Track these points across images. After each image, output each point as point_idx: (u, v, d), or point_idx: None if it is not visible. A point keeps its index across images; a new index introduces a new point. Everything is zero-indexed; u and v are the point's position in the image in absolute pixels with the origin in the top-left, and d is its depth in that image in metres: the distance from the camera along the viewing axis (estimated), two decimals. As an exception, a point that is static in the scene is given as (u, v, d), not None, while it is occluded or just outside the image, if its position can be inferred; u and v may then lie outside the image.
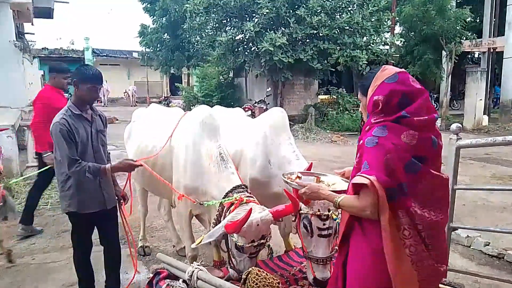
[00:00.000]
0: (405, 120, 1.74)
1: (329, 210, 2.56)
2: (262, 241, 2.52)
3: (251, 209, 2.48)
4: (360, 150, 1.88)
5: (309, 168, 2.75)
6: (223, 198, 2.81)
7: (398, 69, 1.85)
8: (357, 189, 1.79)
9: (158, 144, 3.56)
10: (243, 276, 2.43)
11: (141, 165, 3.18)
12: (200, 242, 2.66)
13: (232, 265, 2.65)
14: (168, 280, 2.59)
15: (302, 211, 2.61)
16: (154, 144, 3.62)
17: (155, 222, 5.32)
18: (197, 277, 2.41)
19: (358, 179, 1.76)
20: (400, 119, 1.74)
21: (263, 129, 3.38)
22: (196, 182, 3.07)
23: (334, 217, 2.57)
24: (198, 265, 2.53)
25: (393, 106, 1.77)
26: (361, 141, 1.87)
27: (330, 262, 2.65)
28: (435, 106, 14.60)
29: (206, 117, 3.22)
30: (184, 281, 2.51)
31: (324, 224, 2.56)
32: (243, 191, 2.80)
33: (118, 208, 3.39)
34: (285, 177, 2.46)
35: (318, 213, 2.55)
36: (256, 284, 2.31)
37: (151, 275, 2.71)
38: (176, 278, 2.59)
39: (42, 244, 4.69)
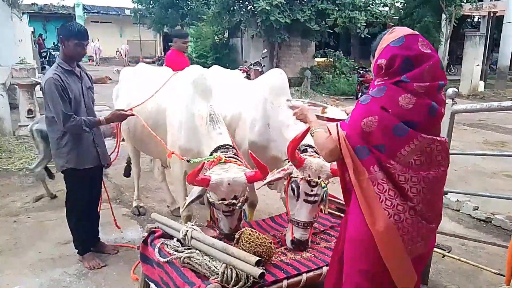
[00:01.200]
0: (404, 85, 1.73)
1: (319, 178, 2.58)
2: (233, 201, 2.53)
3: (203, 164, 2.58)
4: None
5: (306, 132, 2.70)
6: (209, 157, 2.80)
7: (407, 31, 1.80)
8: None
9: (146, 102, 3.52)
10: (236, 236, 2.47)
11: (132, 114, 3.31)
12: (185, 204, 2.75)
13: (215, 224, 2.72)
14: (162, 239, 2.63)
15: (292, 175, 2.63)
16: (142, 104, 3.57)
17: (149, 182, 5.36)
18: (191, 236, 2.44)
19: (332, 128, 1.86)
20: (399, 83, 1.74)
21: (262, 91, 3.32)
22: (190, 143, 3.07)
23: (323, 185, 2.59)
24: (192, 224, 2.56)
25: (395, 70, 1.75)
26: None
27: (311, 227, 2.72)
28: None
29: (197, 78, 3.18)
30: (178, 240, 2.55)
31: (311, 190, 2.59)
32: (227, 151, 2.79)
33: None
34: (289, 100, 2.53)
35: (308, 178, 2.57)
36: (249, 243, 2.35)
37: (146, 234, 2.74)
38: (171, 237, 2.63)
39: (37, 203, 4.72)
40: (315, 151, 2.78)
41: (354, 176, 1.80)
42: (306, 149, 2.79)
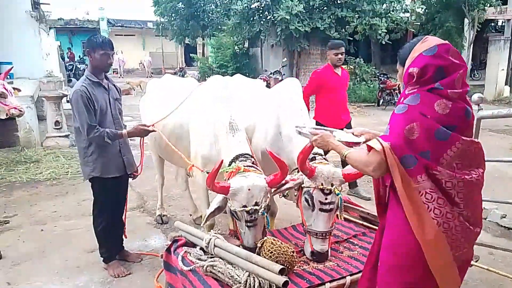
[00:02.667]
0: (438, 91, 1.76)
1: (332, 185, 2.55)
2: (255, 207, 2.47)
3: (221, 162, 2.53)
4: None
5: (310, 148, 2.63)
6: (228, 167, 2.80)
7: (439, 41, 1.81)
8: (371, 148, 1.84)
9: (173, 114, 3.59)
10: (258, 245, 2.46)
11: (154, 131, 3.36)
12: (205, 216, 2.68)
13: (239, 238, 2.66)
14: (185, 247, 2.65)
15: (304, 185, 2.60)
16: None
17: (172, 191, 5.42)
18: (214, 245, 2.46)
19: (373, 143, 1.81)
20: (433, 90, 1.76)
21: (276, 100, 3.34)
22: (211, 152, 3.10)
23: (337, 192, 2.56)
24: (215, 233, 2.57)
25: (428, 78, 1.78)
26: None
27: (329, 236, 2.67)
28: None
29: (219, 87, 3.23)
30: (201, 248, 2.56)
31: (326, 199, 2.55)
32: (245, 160, 2.78)
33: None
34: (298, 128, 2.46)
35: (321, 187, 2.53)
36: (271, 252, 2.35)
37: (169, 242, 2.77)
38: (194, 245, 2.65)
39: (64, 212, 4.84)
40: (324, 158, 2.79)
41: (402, 186, 1.77)
42: (315, 157, 2.79)
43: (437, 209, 1.75)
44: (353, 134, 2.31)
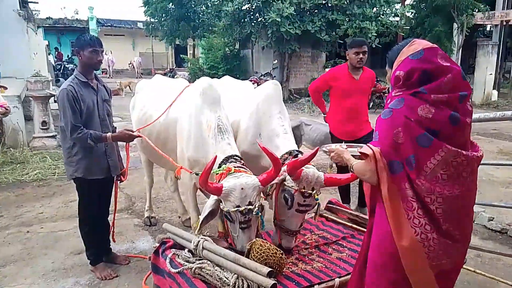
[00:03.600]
0: (422, 95, 1.76)
1: (313, 189, 2.61)
2: (249, 207, 2.44)
3: (215, 158, 2.51)
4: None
5: (310, 157, 2.64)
6: (218, 169, 2.78)
7: (426, 45, 1.82)
8: (365, 156, 1.87)
9: (159, 114, 3.57)
10: (247, 247, 2.45)
11: (139, 136, 3.33)
12: (198, 223, 2.61)
13: (232, 243, 2.64)
14: (174, 249, 2.63)
15: (286, 183, 2.63)
16: (156, 115, 3.62)
17: (161, 193, 5.38)
18: (202, 247, 2.44)
19: (364, 149, 1.85)
20: (417, 93, 1.77)
21: (256, 101, 3.35)
22: (198, 154, 3.07)
23: (316, 197, 2.63)
24: (203, 235, 2.56)
25: (413, 82, 1.79)
26: None
27: (297, 235, 2.79)
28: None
29: (206, 88, 3.18)
30: (189, 250, 2.54)
31: (304, 201, 2.61)
32: (235, 161, 2.78)
33: (115, 181, 3.54)
34: (324, 148, 2.50)
35: (303, 190, 2.58)
36: (260, 254, 2.34)
37: (157, 245, 2.74)
38: (182, 247, 2.63)
39: (50, 213, 4.77)
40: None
41: (386, 190, 1.78)
42: (297, 154, 2.89)
43: (416, 219, 1.76)
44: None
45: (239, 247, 2.54)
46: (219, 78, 4.15)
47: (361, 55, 4.10)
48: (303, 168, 2.61)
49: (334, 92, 4.32)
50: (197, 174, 2.92)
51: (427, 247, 1.76)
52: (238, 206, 2.44)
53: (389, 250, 1.84)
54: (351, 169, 2.03)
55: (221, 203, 2.53)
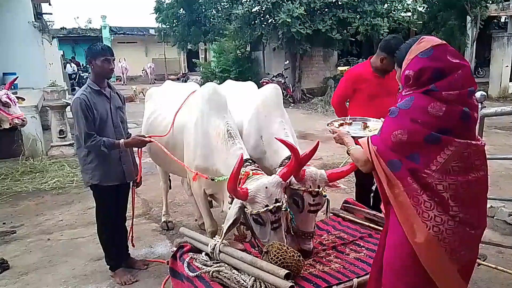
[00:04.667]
0: (433, 93, 1.74)
1: (319, 187, 2.62)
2: (277, 204, 2.41)
3: (241, 160, 2.39)
4: None
5: (315, 148, 2.67)
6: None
7: (435, 42, 1.79)
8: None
9: (168, 121, 3.60)
10: (264, 250, 2.44)
11: (151, 141, 3.36)
12: (223, 232, 2.51)
13: (260, 249, 2.54)
14: (191, 253, 2.64)
15: (293, 187, 2.63)
16: (164, 123, 3.64)
17: (177, 197, 5.42)
18: (219, 250, 2.45)
19: (364, 142, 1.91)
20: (428, 91, 1.75)
21: (257, 105, 3.33)
22: (207, 162, 3.04)
23: (324, 193, 2.64)
24: (220, 238, 2.56)
25: (424, 81, 1.76)
26: None
27: (314, 235, 2.78)
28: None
29: (211, 94, 3.15)
30: (206, 254, 2.56)
31: (313, 200, 2.61)
32: (250, 165, 2.76)
33: (131, 187, 3.60)
34: (329, 125, 2.58)
35: (310, 189, 2.60)
36: (277, 257, 2.32)
37: (175, 249, 2.76)
38: (199, 251, 2.64)
39: (70, 221, 4.85)
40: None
41: (389, 189, 1.80)
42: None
43: (425, 213, 1.74)
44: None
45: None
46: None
47: (384, 62, 3.48)
48: (305, 168, 2.62)
49: (358, 96, 3.71)
50: (212, 179, 2.93)
51: (442, 240, 1.74)
52: (267, 206, 2.40)
53: (405, 251, 1.82)
54: (348, 152, 2.13)
55: (246, 208, 2.46)
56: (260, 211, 2.40)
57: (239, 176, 2.59)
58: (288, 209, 2.55)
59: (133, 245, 3.78)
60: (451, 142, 1.72)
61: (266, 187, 2.42)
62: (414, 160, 1.74)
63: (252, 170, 2.68)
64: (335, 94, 3.93)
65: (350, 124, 2.69)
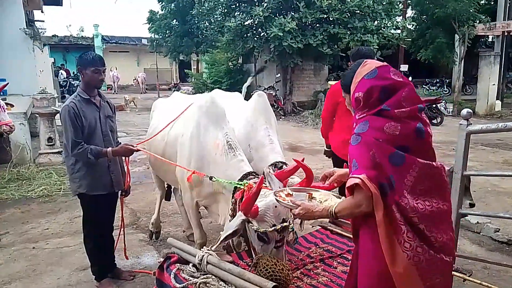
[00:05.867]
0: (386, 113, 1.76)
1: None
2: (284, 224, 2.38)
3: (261, 182, 2.31)
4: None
5: (295, 168, 2.61)
6: (234, 188, 2.73)
7: (378, 63, 1.84)
8: (351, 190, 1.79)
9: (164, 132, 3.59)
10: (254, 261, 2.44)
11: (138, 150, 3.36)
12: (219, 240, 2.47)
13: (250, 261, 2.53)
14: (178, 264, 2.62)
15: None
16: (162, 133, 3.64)
17: (166, 207, 5.38)
18: (207, 262, 2.44)
19: (350, 181, 1.76)
20: (380, 112, 1.76)
21: (245, 114, 3.39)
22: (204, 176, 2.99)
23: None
24: (208, 249, 2.55)
25: (374, 101, 1.78)
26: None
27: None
28: (447, 91, 14.19)
29: (209, 106, 3.15)
30: (194, 265, 2.54)
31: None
32: (253, 178, 2.73)
33: (119, 196, 3.56)
34: (276, 196, 2.16)
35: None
36: (266, 270, 2.30)
37: (162, 259, 2.74)
38: (186, 262, 2.63)
39: (56, 229, 4.79)
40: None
41: (381, 216, 1.72)
42: (282, 166, 2.91)
43: (407, 243, 1.72)
44: (333, 195, 2.21)
45: None
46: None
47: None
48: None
49: (339, 109, 3.88)
50: (211, 179, 2.89)
51: (420, 270, 1.73)
52: (274, 225, 2.37)
53: (376, 271, 1.81)
54: (333, 215, 1.86)
55: (251, 224, 2.42)
56: (268, 230, 2.37)
57: (242, 189, 2.61)
58: (294, 229, 2.49)
59: (126, 257, 3.73)
60: (414, 162, 1.72)
61: (276, 206, 2.38)
62: (391, 185, 1.72)
63: (255, 182, 2.63)
64: (325, 110, 4.12)
65: (291, 195, 2.21)
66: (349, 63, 4.00)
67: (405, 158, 1.71)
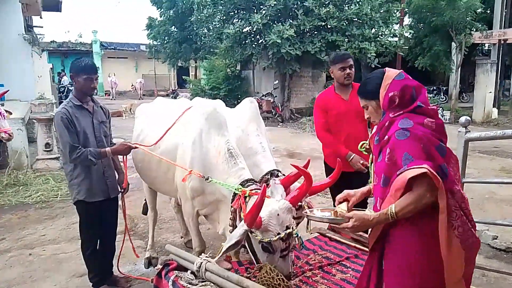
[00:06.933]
0: (421, 110, 1.89)
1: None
2: (288, 231, 2.34)
3: (264, 191, 2.27)
4: (385, 146, 1.89)
5: (298, 174, 2.55)
6: (233, 195, 2.70)
7: (398, 70, 2.04)
8: (409, 184, 1.75)
9: (158, 136, 3.48)
10: (255, 267, 2.41)
11: (136, 147, 3.36)
12: (221, 251, 2.41)
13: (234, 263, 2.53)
14: (176, 271, 2.61)
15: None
16: (153, 141, 3.48)
17: (163, 214, 5.36)
18: (205, 269, 2.42)
19: (413, 172, 1.71)
20: (416, 109, 1.89)
21: (235, 120, 3.33)
22: (203, 183, 2.94)
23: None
24: (206, 256, 2.54)
25: (408, 99, 1.92)
26: (385, 137, 1.90)
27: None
28: (444, 99, 14.31)
29: (211, 113, 3.10)
30: (192, 272, 2.53)
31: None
32: (251, 185, 2.70)
33: (120, 198, 3.54)
34: (315, 215, 2.13)
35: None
36: (266, 279, 2.27)
37: (160, 267, 2.73)
38: (185, 269, 2.62)
39: (53, 236, 4.76)
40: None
41: (445, 203, 1.73)
42: (278, 174, 2.87)
43: (461, 227, 1.80)
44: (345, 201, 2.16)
45: (286, 274, 2.38)
46: (221, 99, 4.14)
47: (347, 70, 3.53)
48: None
49: (328, 118, 3.70)
50: (206, 179, 2.86)
51: (467, 253, 1.84)
52: (279, 234, 2.33)
53: (418, 266, 1.84)
54: (394, 216, 1.78)
55: (254, 234, 2.37)
56: (273, 240, 2.32)
57: (237, 194, 2.61)
58: (299, 235, 2.44)
59: (137, 256, 3.77)
60: (451, 152, 1.88)
61: (278, 214, 2.34)
62: (444, 174, 1.80)
63: (251, 190, 2.62)
64: (317, 125, 3.81)
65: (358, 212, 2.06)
66: (329, 69, 3.75)
67: (446, 149, 1.86)
